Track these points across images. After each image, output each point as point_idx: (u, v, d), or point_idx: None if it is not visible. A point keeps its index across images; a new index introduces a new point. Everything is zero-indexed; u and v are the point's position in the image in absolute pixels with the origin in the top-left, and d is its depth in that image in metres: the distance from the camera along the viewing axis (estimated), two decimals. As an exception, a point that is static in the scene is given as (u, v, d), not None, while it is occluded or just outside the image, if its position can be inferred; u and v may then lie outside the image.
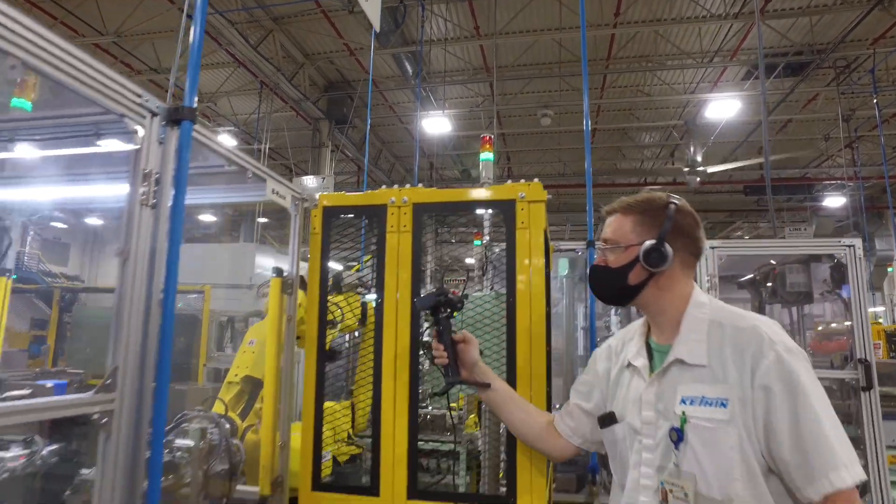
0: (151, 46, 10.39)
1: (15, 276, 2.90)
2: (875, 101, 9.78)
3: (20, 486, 1.63)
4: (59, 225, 15.74)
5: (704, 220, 18.26)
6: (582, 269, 3.93)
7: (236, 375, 3.04)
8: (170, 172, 1.41)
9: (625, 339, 1.52)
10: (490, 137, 3.19)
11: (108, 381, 1.28)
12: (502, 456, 2.38)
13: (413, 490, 2.02)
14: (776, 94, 10.20)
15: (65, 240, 19.09)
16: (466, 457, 2.50)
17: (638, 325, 1.51)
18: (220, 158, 1.80)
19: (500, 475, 2.43)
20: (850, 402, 3.01)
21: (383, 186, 2.12)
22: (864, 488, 2.79)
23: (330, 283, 2.19)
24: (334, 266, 2.26)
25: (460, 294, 1.76)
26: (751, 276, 3.91)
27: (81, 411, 1.21)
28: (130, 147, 1.38)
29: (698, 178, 11.42)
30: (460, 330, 1.77)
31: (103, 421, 1.27)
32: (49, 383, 2.57)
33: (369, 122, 6.64)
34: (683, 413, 1.25)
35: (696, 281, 2.95)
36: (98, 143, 1.58)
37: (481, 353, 2.28)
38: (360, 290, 2.59)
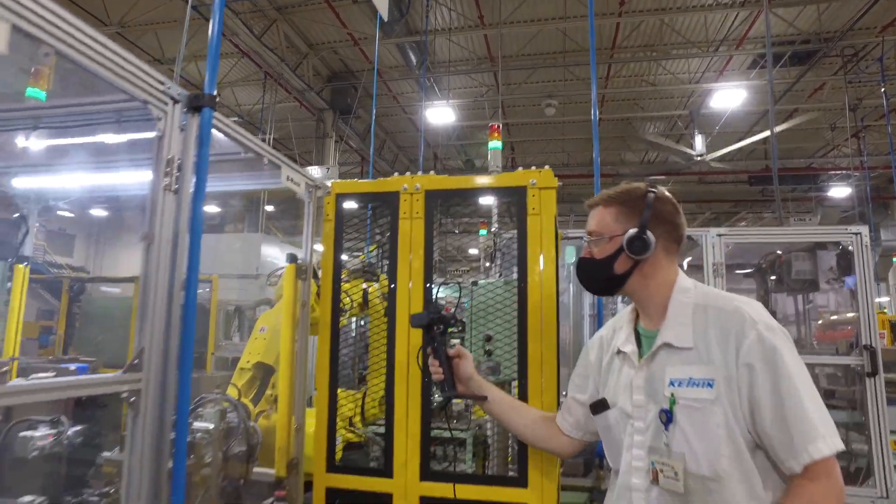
0: (155, 36, 10.38)
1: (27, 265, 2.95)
2: (883, 89, 9.71)
3: (49, 464, 1.68)
4: (66, 214, 15.79)
5: (708, 210, 18.30)
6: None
7: (248, 362, 3.09)
8: (191, 158, 1.44)
9: (615, 328, 1.56)
10: (498, 126, 3.22)
11: (136, 361, 1.32)
12: (510, 440, 2.43)
13: (426, 472, 2.06)
14: (782, 84, 10.15)
15: (70, 231, 19.14)
16: (473, 441, 2.55)
17: (627, 312, 1.55)
18: (234, 146, 1.83)
19: (509, 459, 2.48)
20: (855, 388, 3.04)
21: (395, 174, 2.14)
22: (867, 472, 2.83)
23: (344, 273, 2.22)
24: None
25: (453, 311, 1.78)
26: (756, 263, 3.93)
27: (112, 389, 1.25)
28: (150, 135, 1.41)
29: (698, 156, 11.32)
30: (452, 341, 1.81)
31: (132, 399, 1.31)
32: (72, 366, 2.62)
33: (374, 112, 6.64)
34: (672, 395, 1.30)
35: (703, 269, 2.98)
36: (118, 131, 1.61)
37: (490, 339, 2.33)
38: (370, 276, 2.63)
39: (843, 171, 13.32)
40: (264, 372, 3.13)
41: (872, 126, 12.38)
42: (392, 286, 2.10)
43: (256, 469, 2.31)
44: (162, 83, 1.35)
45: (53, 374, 2.24)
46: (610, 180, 14.16)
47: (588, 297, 3.90)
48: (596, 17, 9.03)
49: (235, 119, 12.13)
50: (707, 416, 1.25)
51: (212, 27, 1.58)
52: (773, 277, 3.90)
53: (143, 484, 1.35)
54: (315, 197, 2.16)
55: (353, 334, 3.20)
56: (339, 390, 2.50)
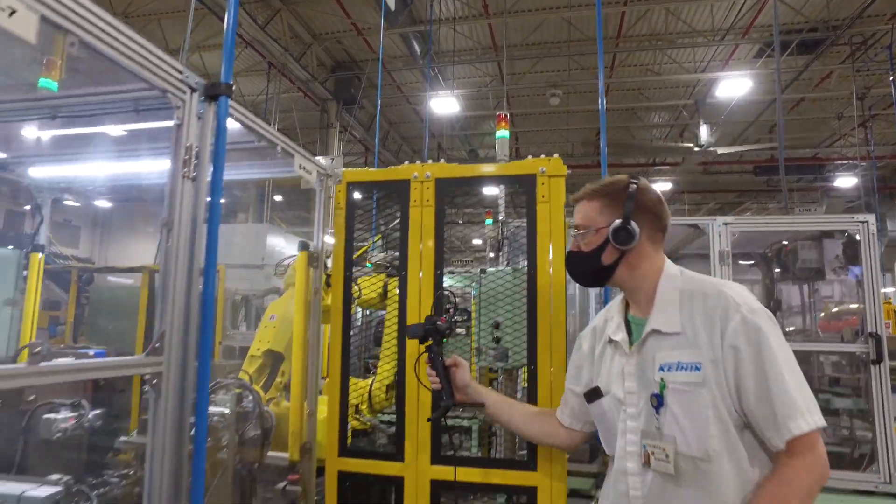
0: (159, 27, 10.37)
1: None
2: (891, 78, 9.62)
3: (71, 446, 1.72)
4: (72, 203, 15.86)
5: (713, 200, 18.25)
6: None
7: (258, 349, 3.13)
8: (208, 146, 1.47)
9: (606, 317, 1.59)
10: (505, 115, 3.23)
11: (157, 345, 1.36)
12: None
13: (437, 456, 2.10)
14: (789, 73, 10.08)
15: (75, 222, 19.22)
16: (479, 427, 2.59)
17: (617, 302, 1.59)
18: (244, 134, 1.85)
19: (516, 443, 2.52)
20: (860, 376, 3.07)
21: (406, 162, 2.17)
22: (870, 458, 2.86)
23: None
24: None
25: (448, 322, 1.80)
26: (762, 253, 3.94)
27: (136, 371, 1.28)
28: (164, 124, 1.44)
29: (701, 146, 11.26)
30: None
31: (154, 381, 1.35)
32: (91, 352, 2.67)
33: (379, 102, 6.64)
34: (662, 379, 1.34)
35: (710, 257, 3.00)
36: (135, 120, 1.64)
37: (497, 326, 2.36)
38: (393, 271, 2.67)
39: (850, 161, 13.25)
40: (274, 359, 3.17)
41: (880, 115, 12.30)
42: (403, 274, 2.13)
43: (269, 453, 2.35)
44: (180, 72, 1.37)
45: (73, 359, 2.28)
46: (614, 170, 14.13)
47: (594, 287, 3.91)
48: (602, 5, 8.99)
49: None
50: (695, 398, 1.29)
51: (227, 16, 1.60)
52: (777, 270, 3.92)
53: (166, 464, 1.39)
54: (326, 185, 2.18)
55: (360, 325, 3.25)
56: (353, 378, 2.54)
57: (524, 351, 2.14)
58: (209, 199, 1.44)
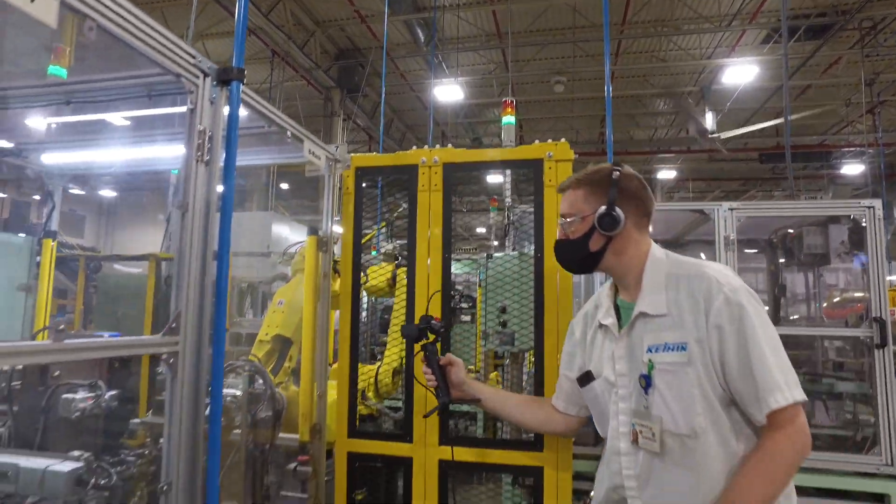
0: (161, 15, 10.33)
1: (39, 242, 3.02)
2: (901, 63, 9.52)
3: (89, 425, 1.77)
4: (77, 192, 15.92)
5: (718, 188, 18.17)
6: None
7: (267, 334, 3.17)
8: (220, 130, 1.49)
9: (596, 303, 1.63)
10: (511, 101, 3.23)
11: (174, 325, 1.39)
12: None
13: (444, 437, 2.14)
14: (796, 59, 9.98)
15: (80, 211, 19.31)
16: (484, 413, 2.63)
17: (606, 287, 1.62)
18: (253, 120, 1.87)
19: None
20: (864, 360, 3.08)
21: (414, 147, 2.18)
22: (873, 441, 2.88)
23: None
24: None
25: (442, 322, 1.85)
26: (767, 239, 3.95)
27: (153, 350, 1.31)
28: (175, 110, 1.46)
29: (709, 136, 11.21)
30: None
31: (171, 361, 1.38)
32: (105, 335, 2.71)
33: (384, 90, 6.63)
34: (650, 360, 1.39)
35: (715, 243, 3.01)
36: (147, 105, 1.66)
37: (504, 310, 2.39)
38: (402, 262, 2.70)
39: (858, 148, 13.15)
40: (282, 344, 3.21)
41: (889, 101, 12.19)
42: (411, 258, 2.16)
43: (280, 435, 2.40)
44: (193, 57, 1.39)
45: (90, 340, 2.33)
46: (619, 158, 14.08)
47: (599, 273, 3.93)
48: (607, -9, 8.90)
49: (243, 98, 12.08)
50: (682, 377, 1.33)
51: (239, 1, 1.62)
52: (782, 260, 3.93)
53: (182, 442, 1.43)
54: (334, 171, 2.20)
55: (367, 311, 3.29)
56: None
57: (531, 334, 2.16)
58: (223, 180, 1.46)
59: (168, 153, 2.33)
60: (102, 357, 1.18)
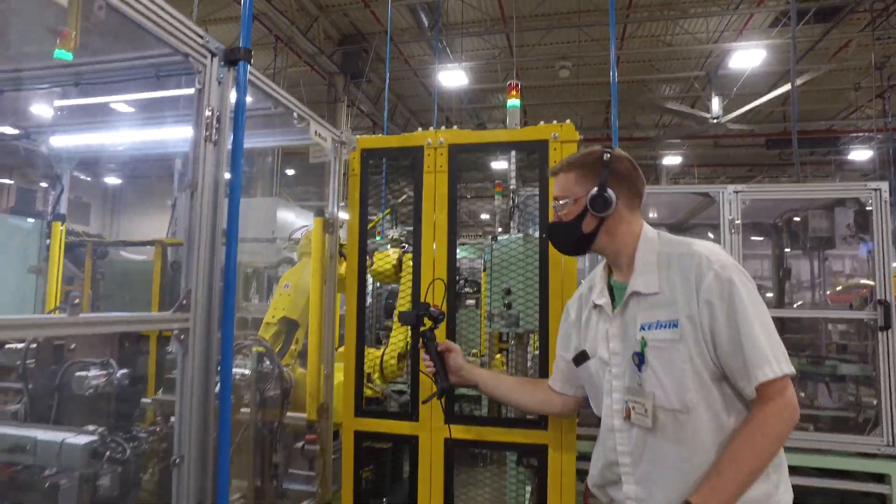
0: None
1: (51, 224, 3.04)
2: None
3: (101, 402, 1.81)
4: (82, 177, 15.96)
5: (723, 174, 18.05)
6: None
7: (273, 317, 3.21)
8: (228, 110, 1.50)
9: (591, 285, 1.66)
10: (516, 84, 3.22)
11: (184, 302, 1.41)
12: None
13: (450, 415, 2.17)
14: (805, 42, 9.86)
15: (86, 199, 19.35)
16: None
17: (600, 268, 1.65)
18: (258, 102, 1.88)
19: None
20: (868, 343, 3.09)
21: (419, 129, 2.19)
22: (875, 422, 2.91)
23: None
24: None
25: (440, 308, 1.86)
26: (772, 223, 3.94)
27: (166, 326, 1.34)
28: (185, 91, 1.47)
29: (714, 119, 11.11)
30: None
31: (182, 337, 1.41)
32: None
33: (388, 75, 6.60)
34: (643, 338, 1.41)
35: (719, 229, 3.01)
36: (156, 87, 1.67)
37: (509, 291, 2.41)
38: (408, 248, 2.73)
39: (866, 133, 13.02)
40: (289, 326, 3.24)
41: (899, 86, 12.03)
42: (416, 239, 2.17)
43: (288, 414, 2.44)
44: (201, 37, 1.40)
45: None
46: (624, 144, 14.00)
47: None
48: (613, -27, 8.79)
49: (247, 84, 12.03)
50: (673, 354, 1.36)
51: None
52: (788, 250, 3.93)
53: (193, 417, 1.46)
54: (340, 153, 2.21)
55: (372, 296, 3.31)
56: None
57: (535, 316, 2.18)
58: (231, 158, 1.48)
59: (175, 136, 2.35)
60: (116, 331, 1.21)
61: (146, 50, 1.52)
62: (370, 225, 2.52)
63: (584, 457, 2.54)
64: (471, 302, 5.79)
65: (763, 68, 11.04)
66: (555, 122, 2.09)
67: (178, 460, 1.42)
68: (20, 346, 1.82)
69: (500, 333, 4.39)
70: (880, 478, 2.80)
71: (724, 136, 13.73)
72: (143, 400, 2.28)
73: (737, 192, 2.99)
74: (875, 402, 2.96)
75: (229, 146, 1.54)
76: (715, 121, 11.26)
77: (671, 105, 12.06)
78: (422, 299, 2.15)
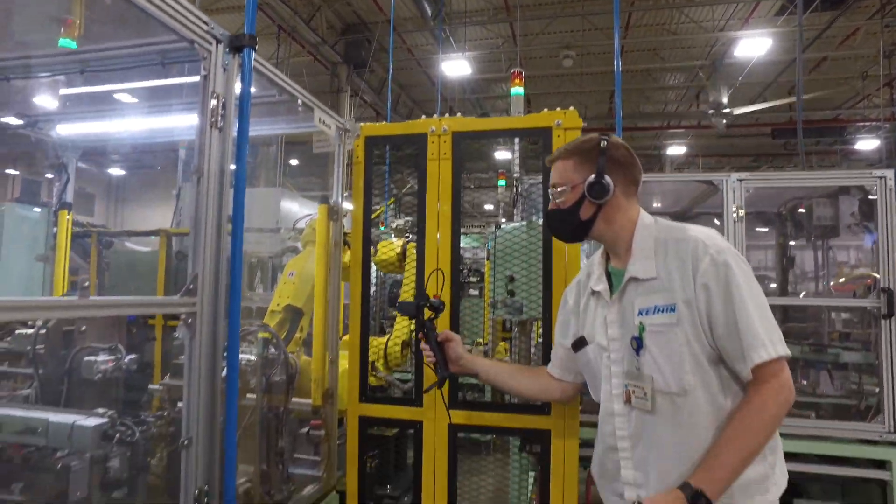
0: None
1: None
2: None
3: (110, 386, 1.83)
4: (85, 166, 15.99)
5: (728, 164, 17.96)
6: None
7: (278, 304, 3.23)
8: (233, 96, 1.51)
9: (588, 272, 1.67)
10: (520, 72, 3.21)
11: (191, 286, 1.43)
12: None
13: (454, 401, 2.19)
14: (812, 31, 9.75)
15: (89, 190, 19.41)
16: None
17: (597, 255, 1.66)
18: (262, 90, 1.89)
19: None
20: (871, 331, 3.10)
21: (423, 116, 2.19)
22: (876, 410, 2.92)
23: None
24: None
25: (440, 298, 1.88)
26: (776, 212, 3.93)
27: (173, 310, 1.36)
28: (191, 79, 1.47)
29: (725, 121, 11.11)
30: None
31: (189, 321, 1.43)
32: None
33: (391, 65, 6.57)
34: (641, 323, 1.43)
35: (723, 215, 3.01)
36: (161, 74, 1.68)
37: (512, 279, 2.42)
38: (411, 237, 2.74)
39: (873, 123, 12.91)
40: (293, 314, 3.27)
41: (908, 73, 11.90)
42: (420, 228, 2.18)
43: (293, 400, 2.46)
44: (206, 23, 1.41)
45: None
46: (628, 134, 13.92)
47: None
48: (618, -39, 8.70)
49: (250, 74, 12.01)
50: (671, 337, 1.38)
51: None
52: (793, 243, 3.92)
53: (201, 401, 1.49)
54: (344, 140, 2.22)
55: (375, 285, 3.33)
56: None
57: (539, 303, 2.20)
58: (237, 145, 1.49)
59: (179, 124, 2.36)
60: (124, 314, 1.23)
61: (151, 37, 1.52)
62: (374, 215, 2.53)
63: (588, 443, 2.57)
64: (474, 292, 5.81)
65: (769, 57, 10.94)
66: (558, 108, 2.09)
67: (186, 442, 1.45)
68: (30, 331, 1.86)
69: (504, 322, 4.41)
70: (881, 464, 2.82)
71: (729, 126, 13.63)
72: (151, 386, 2.31)
73: (740, 180, 2.99)
74: (877, 390, 2.98)
75: (234, 133, 1.55)
76: (711, 111, 11.15)
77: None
78: (425, 288, 2.16)
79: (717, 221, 2.95)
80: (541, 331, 2.24)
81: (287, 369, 2.18)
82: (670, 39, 11.26)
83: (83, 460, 1.52)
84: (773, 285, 4.11)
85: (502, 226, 2.42)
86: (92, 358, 1.80)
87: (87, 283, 1.06)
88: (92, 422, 1.53)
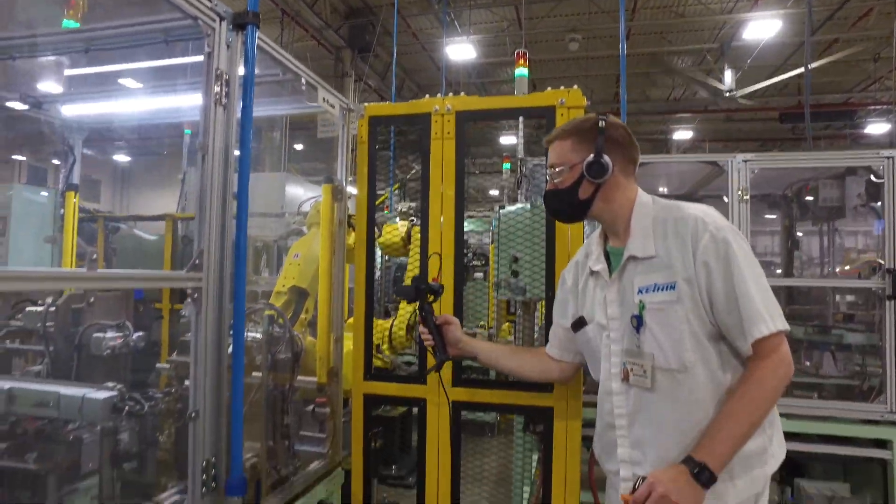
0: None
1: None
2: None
3: (118, 363, 1.87)
4: (89, 152, 16.04)
5: (735, 149, 17.80)
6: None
7: (284, 286, 3.25)
8: (237, 74, 1.51)
9: (587, 252, 1.67)
10: (525, 53, 3.19)
11: (197, 262, 1.45)
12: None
13: (457, 379, 2.21)
14: (824, 12, 9.59)
15: (95, 176, 19.49)
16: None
17: (596, 235, 1.66)
18: (270, 67, 1.89)
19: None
20: (875, 312, 3.10)
21: (426, 95, 2.19)
22: (879, 390, 2.93)
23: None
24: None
25: (439, 281, 1.89)
26: (782, 194, 3.91)
27: (179, 285, 1.38)
28: (194, 59, 1.48)
29: (728, 93, 10.89)
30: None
31: (195, 296, 1.45)
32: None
33: (395, 49, 6.52)
34: (641, 301, 1.44)
35: (726, 197, 3.00)
36: (165, 53, 1.69)
37: (516, 260, 2.43)
38: (416, 220, 2.75)
39: (885, 106, 12.72)
40: (298, 295, 3.29)
41: (920, 56, 11.69)
42: (424, 209, 2.19)
43: (299, 378, 2.49)
44: (210, 0, 1.41)
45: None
46: (634, 118, 13.79)
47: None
48: (625, -59, 8.54)
49: (254, 59, 11.95)
50: (671, 315, 1.39)
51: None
52: (800, 233, 3.89)
53: (208, 374, 1.51)
54: (348, 120, 2.22)
55: (380, 269, 3.35)
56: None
57: (542, 284, 2.21)
58: (241, 122, 1.50)
59: (184, 104, 2.36)
60: (132, 287, 1.25)
61: (155, 14, 1.53)
62: (379, 200, 2.54)
63: (590, 423, 2.60)
64: (479, 275, 5.84)
65: (778, 39, 10.78)
66: (562, 87, 2.08)
67: (193, 414, 1.48)
68: (40, 309, 1.89)
69: (508, 304, 4.44)
70: (882, 444, 2.84)
71: (736, 111, 13.50)
72: (158, 365, 2.35)
73: (746, 161, 2.97)
74: (880, 371, 2.98)
75: (238, 112, 1.56)
76: (728, 94, 11.04)
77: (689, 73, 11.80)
78: (429, 275, 2.17)
79: (726, 199, 2.93)
80: (545, 311, 2.26)
81: (293, 346, 2.20)
82: (678, 22, 11.10)
83: (94, 433, 1.56)
84: (779, 271, 4.09)
85: (506, 207, 2.43)
86: (101, 334, 1.84)
87: (94, 256, 1.08)
88: (102, 394, 1.56)
